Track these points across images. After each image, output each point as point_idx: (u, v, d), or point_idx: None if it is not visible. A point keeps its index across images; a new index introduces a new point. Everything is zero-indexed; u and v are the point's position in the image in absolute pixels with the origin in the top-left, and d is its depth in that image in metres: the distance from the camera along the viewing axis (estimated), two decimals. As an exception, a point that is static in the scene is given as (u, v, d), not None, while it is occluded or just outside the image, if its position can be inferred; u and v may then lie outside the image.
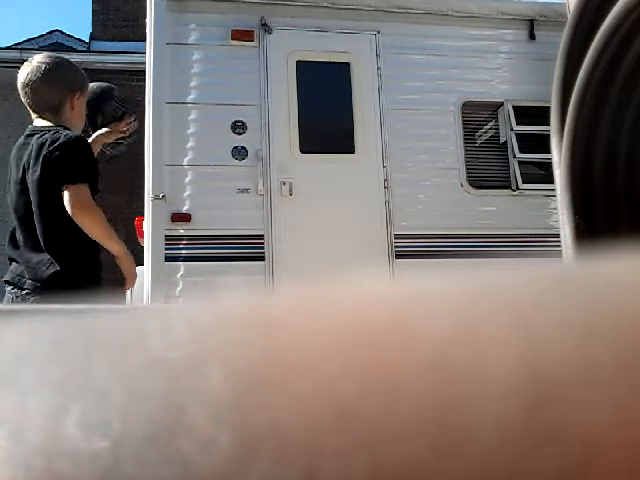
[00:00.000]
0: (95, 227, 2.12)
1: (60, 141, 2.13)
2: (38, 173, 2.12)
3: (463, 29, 4.24)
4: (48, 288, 2.08)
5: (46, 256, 2.11)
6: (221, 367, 0.10)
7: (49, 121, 2.25)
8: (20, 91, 2.26)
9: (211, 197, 3.71)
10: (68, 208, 2.07)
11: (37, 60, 2.26)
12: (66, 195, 2.08)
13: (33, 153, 2.15)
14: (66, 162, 2.10)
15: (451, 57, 4.17)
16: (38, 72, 2.23)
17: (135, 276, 2.32)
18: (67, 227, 2.10)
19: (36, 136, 2.19)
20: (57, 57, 2.35)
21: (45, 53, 2.39)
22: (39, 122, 2.27)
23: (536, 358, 0.09)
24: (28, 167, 2.16)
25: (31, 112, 2.29)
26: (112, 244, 2.18)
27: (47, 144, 2.13)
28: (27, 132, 2.27)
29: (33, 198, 2.14)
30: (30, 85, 2.23)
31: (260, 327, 0.11)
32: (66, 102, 2.28)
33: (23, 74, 2.25)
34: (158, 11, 3.83)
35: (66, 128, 2.22)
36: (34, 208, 2.14)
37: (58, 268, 2.09)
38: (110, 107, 2.65)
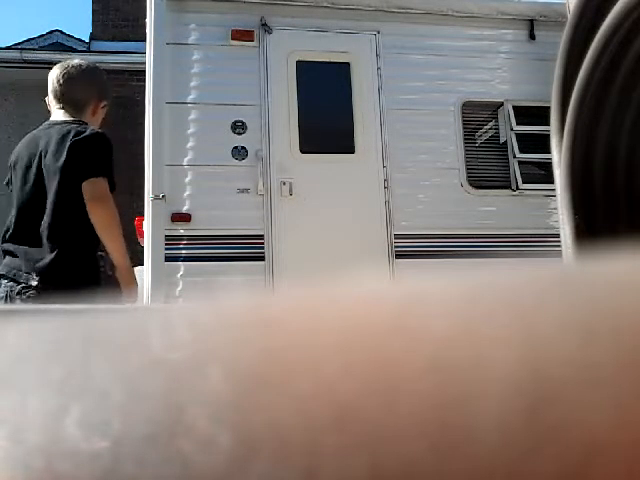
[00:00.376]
0: (106, 222, 2.11)
1: (87, 134, 2.16)
2: (63, 159, 2.12)
3: (463, 29, 4.23)
4: (45, 281, 2.07)
5: (46, 248, 2.10)
6: (221, 367, 0.10)
7: (70, 115, 2.28)
8: (52, 80, 2.31)
9: (211, 197, 3.71)
10: (87, 198, 2.08)
11: (78, 60, 2.38)
12: (87, 186, 2.09)
13: (54, 141, 2.16)
14: (92, 155, 2.13)
15: (451, 57, 4.16)
16: (79, 68, 2.33)
17: (133, 291, 2.24)
18: (76, 219, 2.10)
19: (58, 127, 2.22)
20: (97, 65, 2.49)
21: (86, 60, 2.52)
22: (59, 115, 2.29)
23: (536, 358, 0.09)
24: (45, 155, 2.16)
25: (53, 102, 2.32)
26: (118, 251, 2.15)
27: (72, 134, 2.15)
28: (46, 124, 2.29)
29: (50, 183, 2.13)
30: (66, 75, 2.29)
31: (260, 327, 0.11)
32: (91, 104, 2.33)
33: (62, 66, 2.33)
34: (158, 11, 3.83)
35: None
36: (49, 194, 2.13)
37: (56, 261, 2.07)
38: None
